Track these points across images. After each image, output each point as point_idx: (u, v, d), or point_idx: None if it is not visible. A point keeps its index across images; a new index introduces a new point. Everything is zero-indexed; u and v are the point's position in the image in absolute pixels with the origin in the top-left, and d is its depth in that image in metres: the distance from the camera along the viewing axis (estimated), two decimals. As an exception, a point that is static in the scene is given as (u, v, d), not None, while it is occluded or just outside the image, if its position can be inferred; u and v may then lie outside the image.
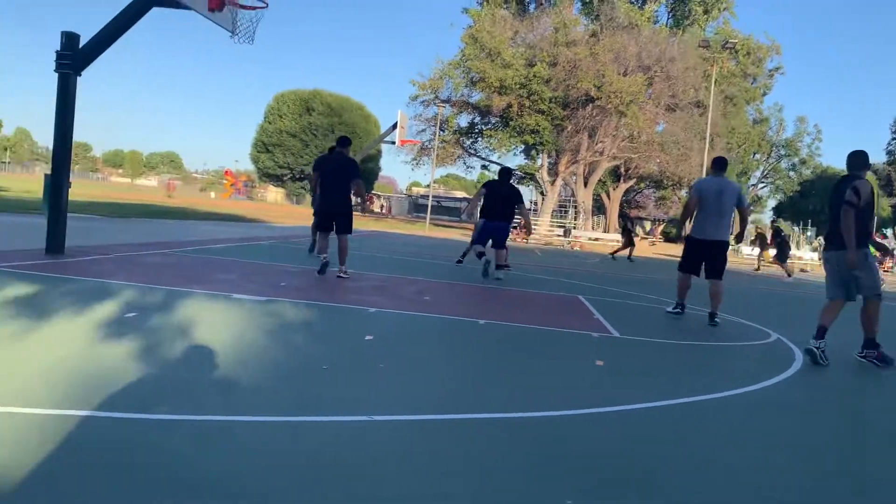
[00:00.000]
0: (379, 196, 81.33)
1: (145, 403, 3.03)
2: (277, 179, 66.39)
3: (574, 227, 35.79)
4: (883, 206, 56.98)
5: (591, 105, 35.18)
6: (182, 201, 37.63)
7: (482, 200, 10.71)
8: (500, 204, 10.60)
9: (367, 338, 4.99)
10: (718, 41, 39.08)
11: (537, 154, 40.54)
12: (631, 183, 49.13)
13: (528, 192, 50.40)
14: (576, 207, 40.25)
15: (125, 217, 18.43)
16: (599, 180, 43.22)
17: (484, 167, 43.48)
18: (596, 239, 35.17)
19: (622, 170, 46.35)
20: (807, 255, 34.76)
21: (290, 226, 23.82)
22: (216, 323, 5.05)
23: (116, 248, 9.73)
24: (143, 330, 4.48)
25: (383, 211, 70.63)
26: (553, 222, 37.54)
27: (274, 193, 70.96)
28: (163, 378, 3.47)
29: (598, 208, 50.73)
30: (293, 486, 2.34)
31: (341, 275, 8.50)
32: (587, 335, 6.11)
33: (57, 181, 8.49)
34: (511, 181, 11.40)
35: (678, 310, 8.12)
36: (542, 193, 40.90)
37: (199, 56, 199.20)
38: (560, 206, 40.66)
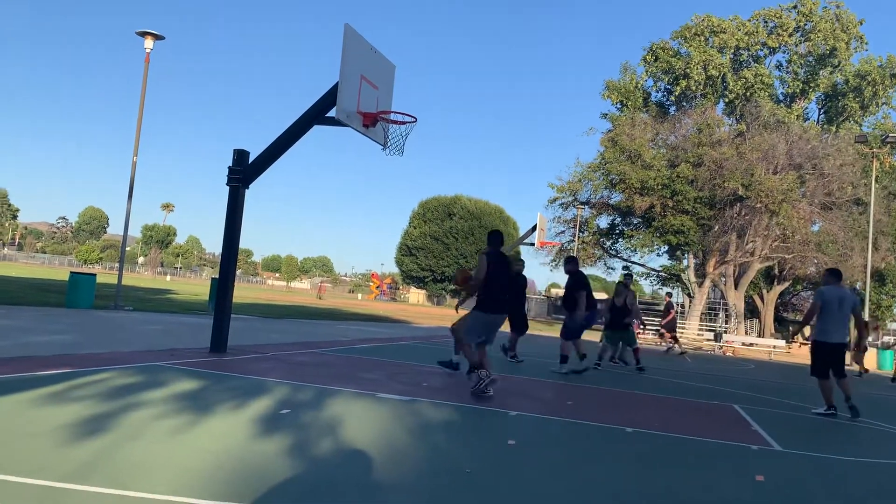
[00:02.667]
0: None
1: (299, 499, 3.12)
2: (419, 281, 68.44)
3: (725, 332, 33.90)
4: None
5: (739, 204, 33.96)
6: (331, 303, 39.50)
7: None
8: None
9: (510, 442, 4.91)
10: (877, 136, 36.93)
11: (682, 255, 39.32)
12: (786, 285, 46.24)
13: (675, 294, 48.69)
14: (726, 310, 38.25)
15: (280, 318, 19.56)
16: (751, 282, 41.02)
17: (625, 268, 42.64)
18: (750, 344, 33.05)
19: (776, 271, 43.82)
20: None
21: (430, 326, 24.30)
22: (363, 421, 5.17)
23: (272, 347, 10.30)
24: (296, 427, 4.67)
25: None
26: (702, 326, 35.79)
27: (416, 295, 73.05)
28: (314, 475, 3.57)
29: (751, 311, 47.90)
30: None
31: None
32: (745, 447, 5.68)
33: (223, 285, 9.23)
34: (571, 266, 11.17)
35: (831, 411, 8.53)
36: (688, 295, 39.32)
37: (350, 166, 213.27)
38: (709, 309, 38.80)
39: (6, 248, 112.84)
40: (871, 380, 18.80)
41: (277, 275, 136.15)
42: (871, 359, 26.20)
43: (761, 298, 46.44)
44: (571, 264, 11.15)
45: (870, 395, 12.98)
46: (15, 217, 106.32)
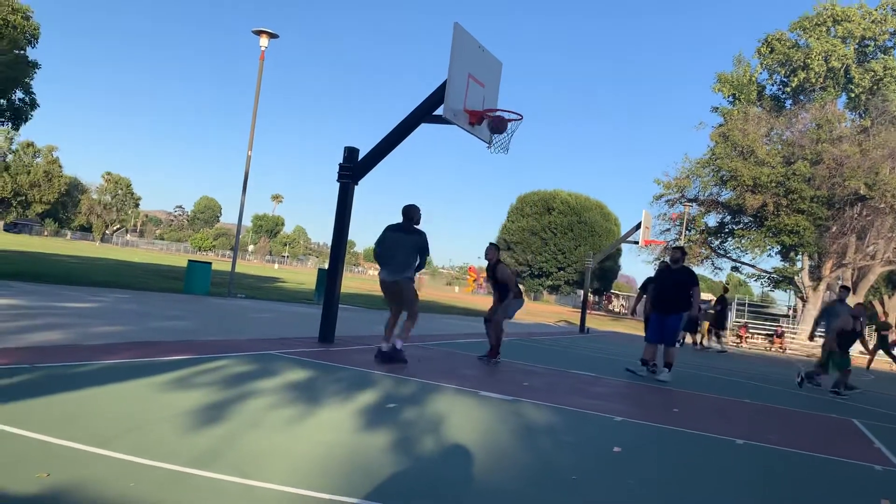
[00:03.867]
0: (618, 295, 79.83)
1: (407, 496, 3.19)
2: (517, 276, 68.13)
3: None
4: None
5: (860, 204, 31.94)
6: (429, 294, 39.97)
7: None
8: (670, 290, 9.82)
9: (615, 450, 4.83)
10: None
11: (796, 256, 37.36)
12: (912, 290, 43.18)
13: (786, 297, 46.40)
14: (843, 316, 36.06)
15: (381, 309, 20.00)
16: (871, 286, 38.51)
17: (735, 269, 40.92)
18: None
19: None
20: None
21: (528, 322, 24.20)
22: (466, 420, 5.23)
23: (376, 339, 10.55)
24: (401, 422, 4.77)
25: (622, 311, 68.97)
26: (818, 333, 33.91)
27: (513, 290, 72.81)
28: (421, 471, 3.65)
29: (870, 318, 44.98)
30: None
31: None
32: (868, 467, 5.36)
33: (332, 275, 9.53)
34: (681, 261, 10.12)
35: None
36: (802, 299, 37.35)
37: (452, 162, 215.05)
38: (824, 315, 36.70)
39: (129, 235, 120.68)
40: None
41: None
42: None
43: (882, 304, 43.57)
44: (680, 254, 10.21)
45: None
46: (137, 205, 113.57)
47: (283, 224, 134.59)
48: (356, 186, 9.47)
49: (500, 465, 4.00)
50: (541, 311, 36.30)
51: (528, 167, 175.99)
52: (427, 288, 54.81)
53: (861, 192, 30.57)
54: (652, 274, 10.35)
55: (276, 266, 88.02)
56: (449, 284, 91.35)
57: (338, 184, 9.40)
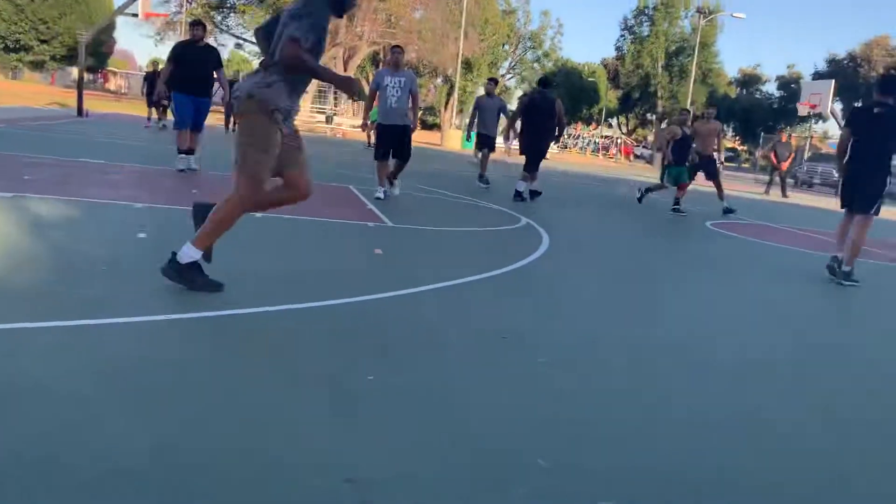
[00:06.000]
0: (115, 73, 73.14)
1: None
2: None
3: (335, 115, 35.48)
4: (611, 97, 63.49)
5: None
6: None
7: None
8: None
9: (141, 235, 4.82)
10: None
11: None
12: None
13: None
14: (336, 93, 39.71)
15: None
16: (359, 66, 42.85)
17: (238, 45, 40.90)
18: (360, 126, 35.23)
19: (382, 56, 46.29)
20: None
21: (12, 106, 20.82)
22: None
23: None
24: None
25: (122, 91, 63.78)
26: (314, 108, 36.81)
27: (-19, 67, 60.77)
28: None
29: (358, 93, 50.42)
30: (98, 389, 2.37)
31: None
32: (363, 225, 6.41)
33: None
34: None
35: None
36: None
37: None
38: (319, 92, 39.84)
39: None
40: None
41: None
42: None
43: (367, 81, 49.00)
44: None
45: (456, 174, 15.22)
46: None
47: None
48: None
49: (20, 265, 3.67)
50: (25, 93, 31.37)
51: None
52: None
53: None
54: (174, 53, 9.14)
55: None
56: None
57: None
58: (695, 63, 44.35)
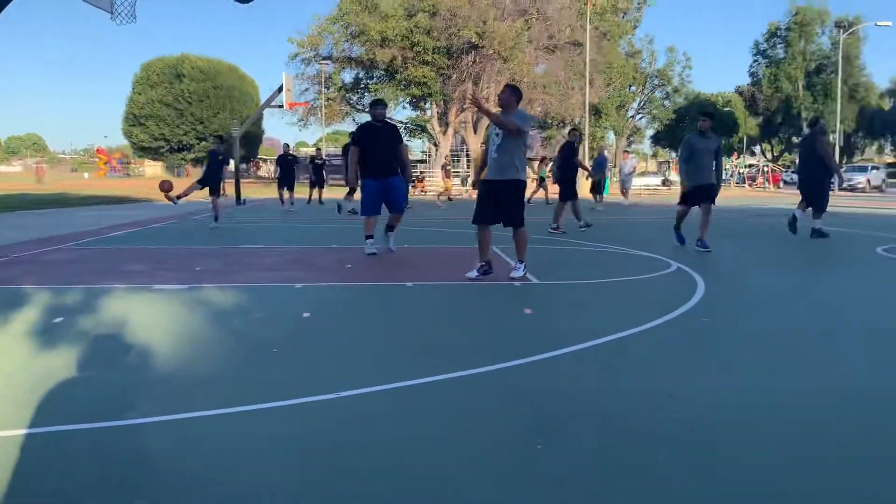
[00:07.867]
0: (265, 160, 78.91)
1: (108, 410, 3.03)
2: (154, 153, 63.11)
3: (469, 176, 36.26)
4: (750, 125, 60.67)
5: (474, 52, 35.38)
6: (56, 186, 35.35)
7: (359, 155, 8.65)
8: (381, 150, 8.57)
9: (305, 315, 5.07)
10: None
11: (426, 105, 40.52)
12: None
13: (419, 145, 50.42)
14: (468, 156, 40.69)
15: (3, 211, 17.25)
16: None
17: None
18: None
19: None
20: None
21: (189, 202, 22.89)
22: (146, 317, 4.99)
23: (11, 248, 9.19)
24: (76, 334, 4.38)
25: (271, 176, 68.52)
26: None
27: (152, 168, 67.67)
28: (115, 382, 3.45)
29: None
30: (284, 472, 2.46)
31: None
32: (510, 285, 6.41)
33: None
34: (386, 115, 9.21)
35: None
36: (434, 144, 41.05)
37: (56, 33, 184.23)
38: (453, 156, 41.00)
39: None
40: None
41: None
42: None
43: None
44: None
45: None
46: None
47: None
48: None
49: (197, 357, 3.96)
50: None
51: (149, 33, 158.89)
52: (51, 179, 48.18)
53: (473, 40, 33.77)
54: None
55: None
56: (75, 171, 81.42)
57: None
58: (839, 79, 41.59)
